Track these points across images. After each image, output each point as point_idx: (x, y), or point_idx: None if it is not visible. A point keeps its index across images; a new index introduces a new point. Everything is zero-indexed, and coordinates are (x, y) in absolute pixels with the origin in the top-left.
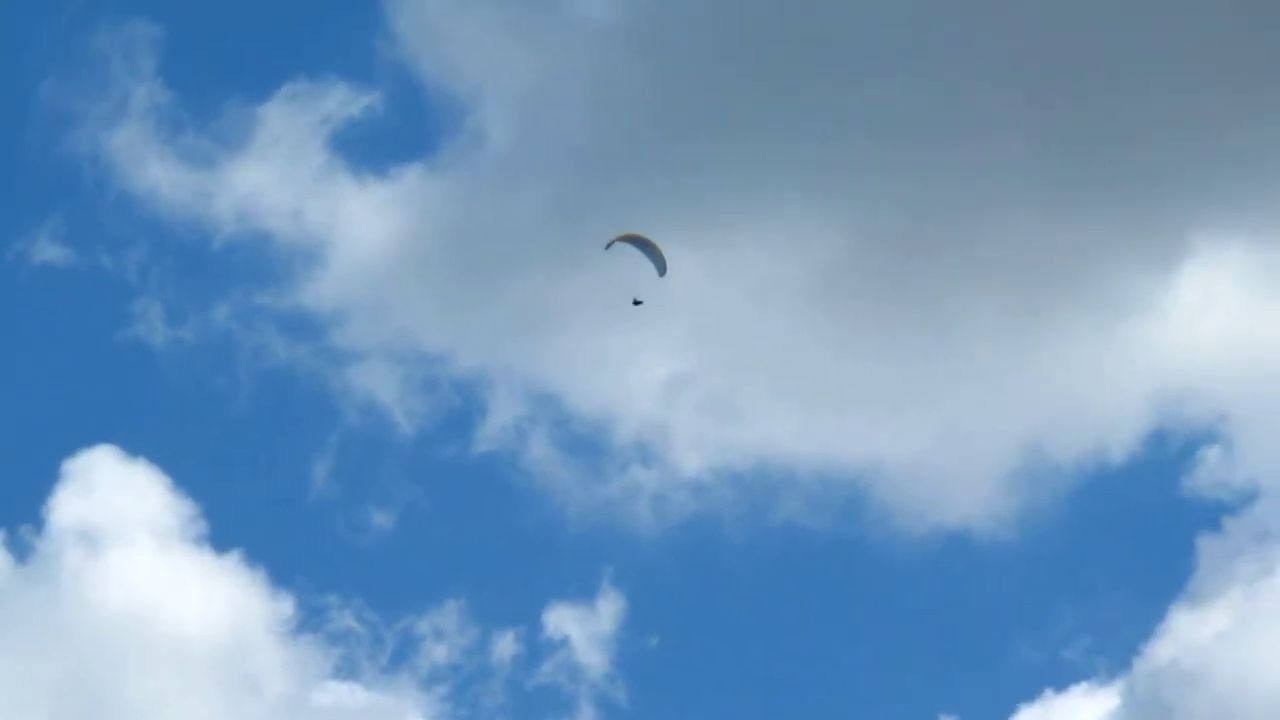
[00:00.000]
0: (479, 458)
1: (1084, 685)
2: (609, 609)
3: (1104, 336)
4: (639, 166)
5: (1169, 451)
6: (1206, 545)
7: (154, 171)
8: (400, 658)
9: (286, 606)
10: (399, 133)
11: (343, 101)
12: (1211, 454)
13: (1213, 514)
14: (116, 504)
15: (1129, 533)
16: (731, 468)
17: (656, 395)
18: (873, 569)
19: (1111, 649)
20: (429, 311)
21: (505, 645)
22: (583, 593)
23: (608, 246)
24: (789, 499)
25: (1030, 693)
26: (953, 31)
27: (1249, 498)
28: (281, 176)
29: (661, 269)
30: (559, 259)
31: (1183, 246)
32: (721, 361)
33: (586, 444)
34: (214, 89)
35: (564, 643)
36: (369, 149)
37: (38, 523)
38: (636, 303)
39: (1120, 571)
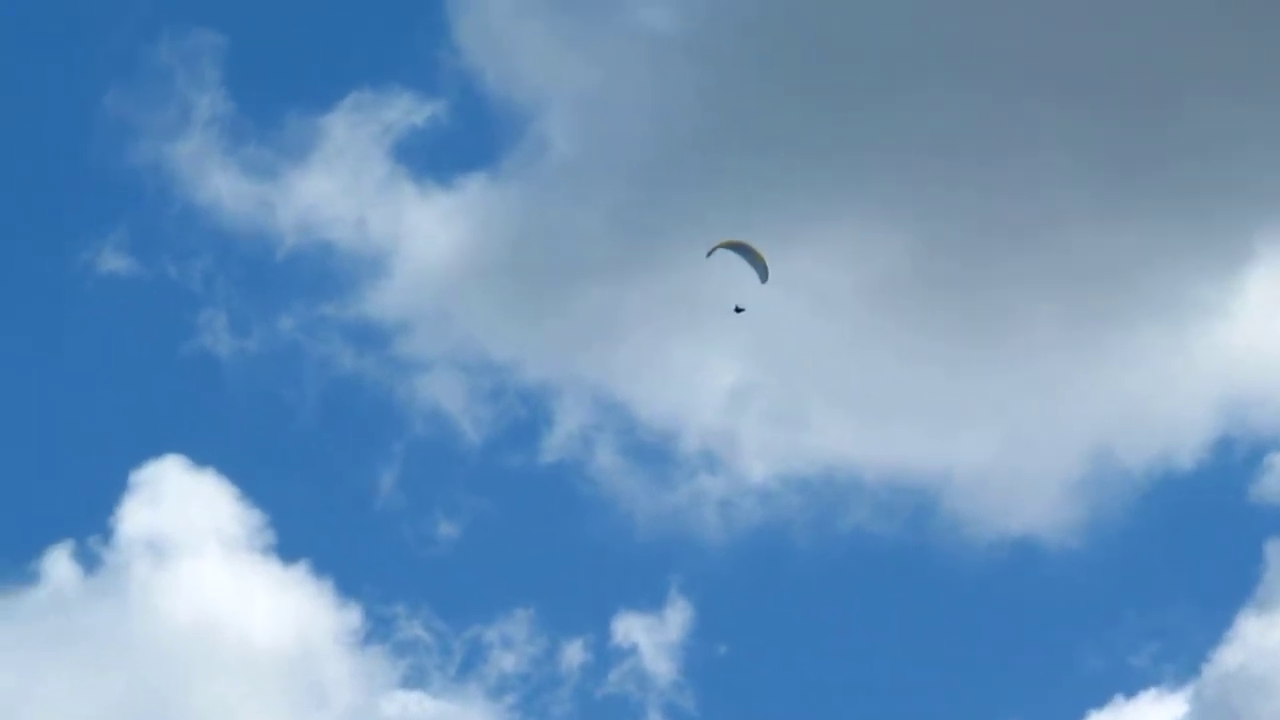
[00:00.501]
0: (546, 467)
1: (1153, 692)
2: (677, 617)
3: (1169, 343)
4: (700, 176)
5: (1237, 457)
6: (1275, 551)
7: (217, 182)
8: (468, 667)
9: (354, 616)
10: (462, 142)
11: (406, 111)
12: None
13: None
14: (184, 514)
15: (1197, 539)
16: (798, 475)
17: (722, 403)
18: (940, 577)
19: (1180, 656)
20: (493, 321)
21: (573, 654)
22: (651, 601)
23: (709, 254)
24: (856, 507)
25: (1099, 700)
26: (1014, 43)
27: None
28: (345, 187)
29: (764, 275)
30: (623, 268)
31: (1247, 252)
32: (786, 370)
33: (653, 452)
34: (277, 99)
35: (632, 651)
36: (432, 158)
37: (106, 534)
38: (739, 310)
39: (1188, 578)
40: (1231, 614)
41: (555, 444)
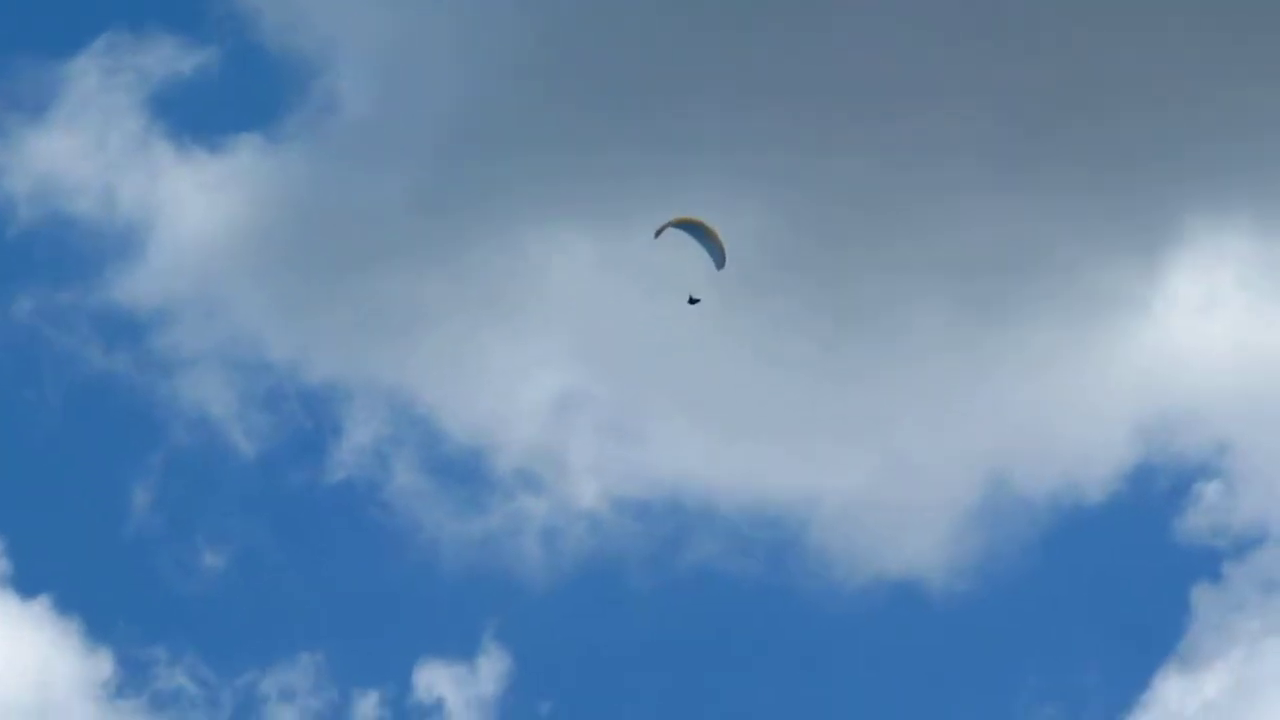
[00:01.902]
0: (333, 486)
1: None
2: (491, 667)
3: (1081, 345)
4: (521, 141)
5: (1158, 487)
6: (1202, 599)
7: None
8: None
9: (104, 663)
10: (234, 97)
11: (167, 59)
12: (1210, 490)
13: (1210, 561)
14: None
15: (1110, 583)
16: (636, 500)
17: (545, 413)
18: (804, 624)
19: None
20: (270, 311)
21: (368, 708)
22: (460, 648)
23: (657, 234)
24: (704, 539)
25: None
26: None
27: (1253, 542)
28: (90, 148)
29: (720, 261)
30: (426, 250)
31: (1175, 233)
32: (621, 373)
33: (462, 470)
34: (6, 40)
35: (437, 707)
36: (197, 116)
37: None
38: (693, 301)
39: (1098, 630)
40: (1149, 673)
41: (345, 459)
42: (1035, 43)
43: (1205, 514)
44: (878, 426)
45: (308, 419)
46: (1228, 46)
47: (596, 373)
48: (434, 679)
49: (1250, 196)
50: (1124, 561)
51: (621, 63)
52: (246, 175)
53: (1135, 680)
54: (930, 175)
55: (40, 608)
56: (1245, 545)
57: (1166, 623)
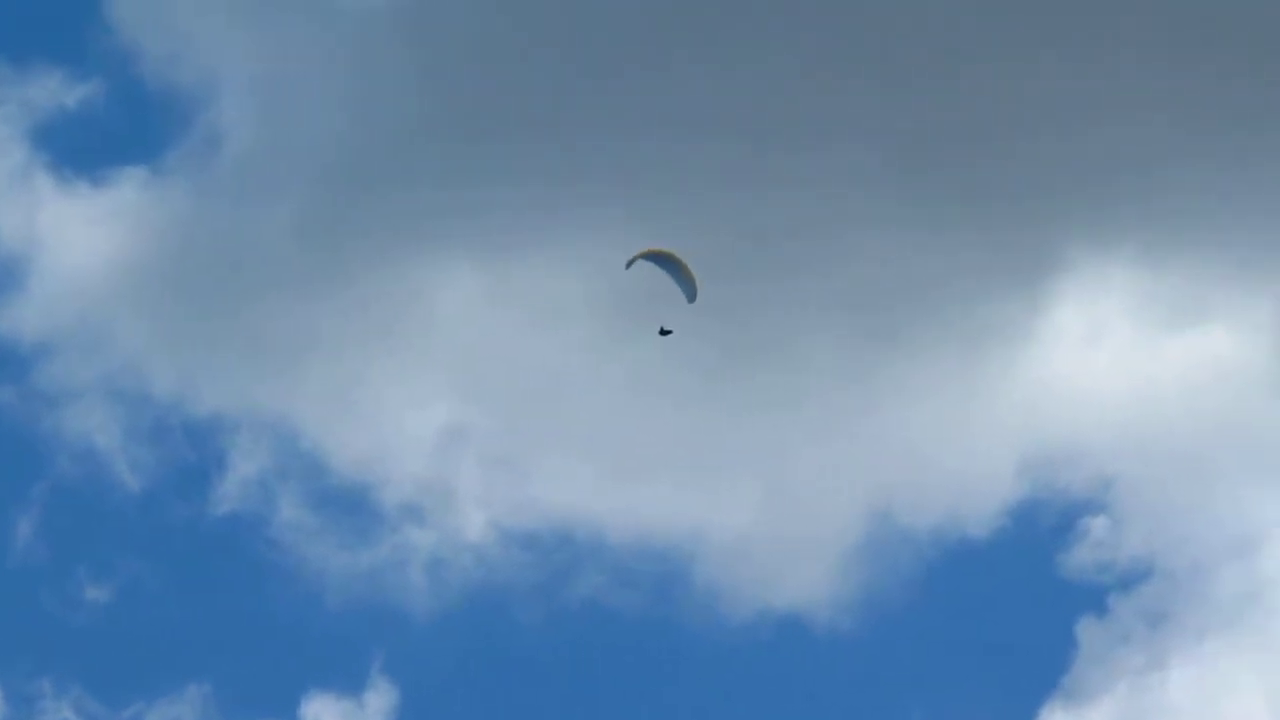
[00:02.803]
0: (219, 520)
1: None
2: (378, 701)
3: (968, 378)
4: (404, 174)
5: (1044, 521)
6: (1088, 633)
7: None
8: None
9: None
10: (117, 131)
11: (50, 92)
12: (1095, 524)
13: (1095, 595)
14: None
15: (995, 617)
16: (522, 533)
17: (431, 444)
18: (690, 656)
19: None
20: (154, 344)
21: None
22: (347, 681)
23: (628, 265)
24: (591, 572)
25: None
26: (789, 18)
27: (1138, 576)
28: None
29: (691, 295)
30: (311, 283)
31: (1060, 265)
32: (508, 406)
33: (348, 503)
34: None
35: None
36: (80, 149)
37: None
38: (664, 332)
39: (983, 664)
40: (1035, 707)
41: (230, 492)
42: (923, 79)
43: (1091, 549)
44: (764, 460)
45: (192, 452)
46: (1110, 80)
47: (483, 405)
48: (321, 712)
49: (1134, 228)
50: (1009, 596)
51: (509, 95)
52: (130, 208)
53: (1020, 715)
54: (818, 210)
55: None
56: (1130, 579)
57: (1051, 657)
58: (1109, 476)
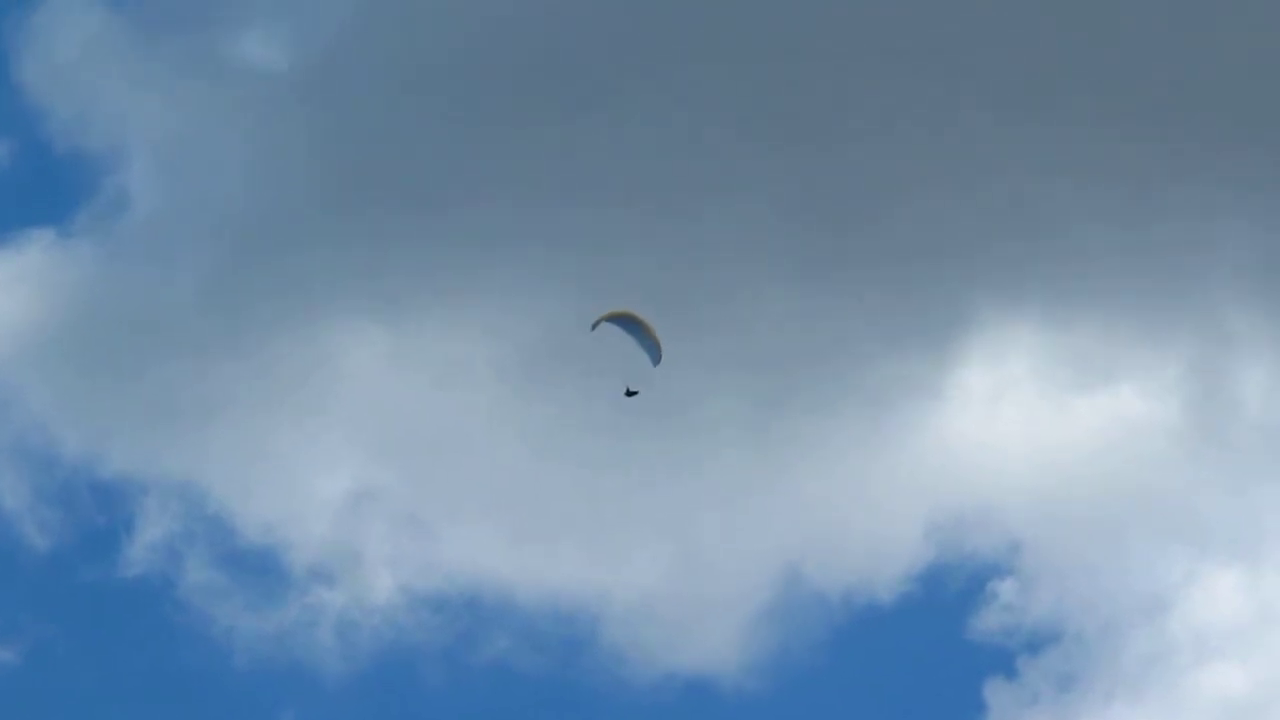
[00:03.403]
0: (126, 582)
1: None
2: None
3: (876, 440)
4: (309, 238)
5: (952, 583)
6: (996, 693)
7: None
8: None
9: None
10: (23, 195)
11: None
12: (1004, 587)
13: (1003, 656)
14: None
15: (903, 678)
16: (430, 597)
17: (339, 506)
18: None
19: None
20: (63, 406)
21: None
22: None
23: (593, 328)
24: (498, 635)
25: None
26: (687, 79)
27: (1047, 638)
28: None
29: (656, 358)
30: (217, 345)
31: (965, 320)
32: (414, 468)
33: (256, 565)
34: None
35: None
36: None
37: None
38: (631, 393)
39: None
40: None
41: (137, 555)
42: (825, 138)
43: (998, 611)
44: (672, 522)
45: (100, 514)
46: (1016, 142)
47: (390, 466)
48: None
49: (1040, 288)
50: (918, 658)
51: (411, 160)
52: (36, 271)
53: None
54: (721, 272)
55: None
56: (1038, 642)
57: (960, 718)
58: (1016, 539)
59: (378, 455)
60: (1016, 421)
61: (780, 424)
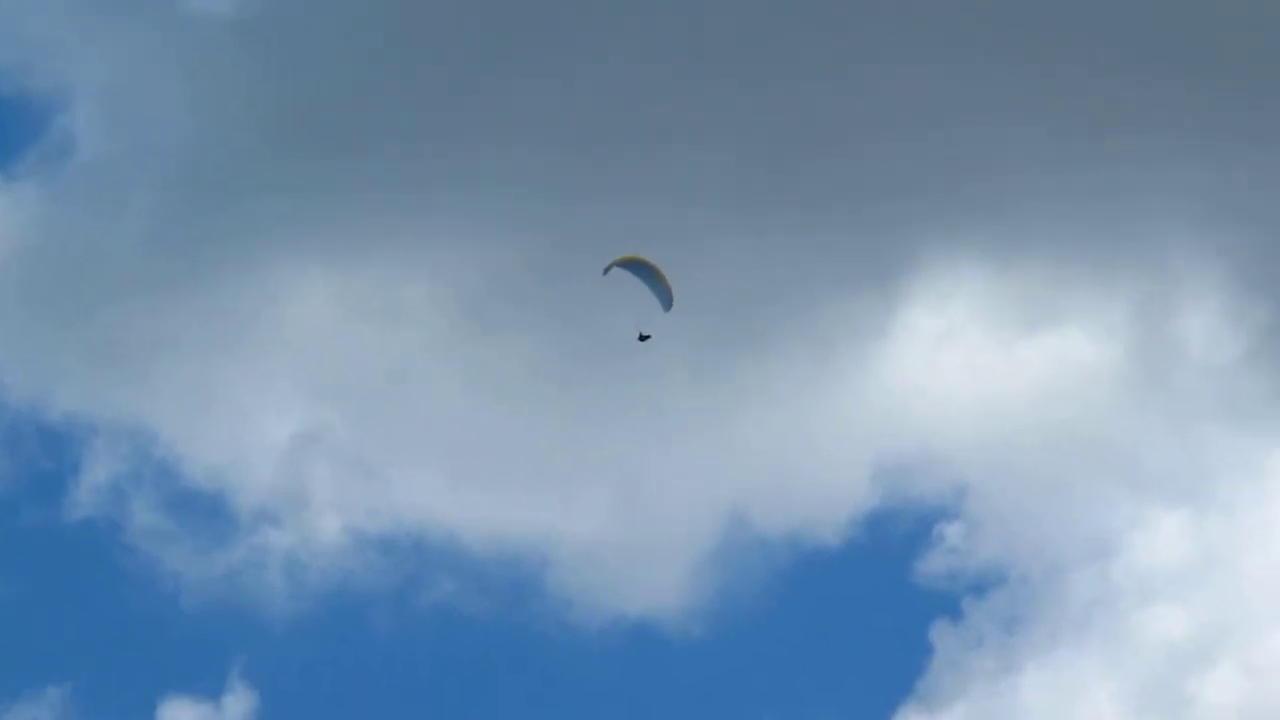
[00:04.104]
0: (73, 525)
1: None
2: (237, 705)
3: (822, 382)
4: (255, 180)
5: (899, 526)
6: (941, 635)
7: None
8: None
9: None
10: None
11: None
12: (950, 530)
13: (949, 599)
14: None
15: (848, 622)
16: (377, 540)
17: (285, 449)
18: (543, 664)
19: None
20: (8, 350)
21: None
22: (205, 685)
23: (605, 272)
24: (445, 579)
25: None
26: (636, 23)
27: (993, 581)
28: None
29: (667, 303)
30: (163, 288)
31: (910, 266)
32: (361, 410)
33: (203, 507)
34: None
35: None
36: None
37: None
38: (643, 338)
39: (838, 669)
40: (889, 712)
41: (84, 498)
42: (773, 80)
43: (944, 554)
44: (614, 466)
45: (47, 458)
46: (960, 82)
47: (339, 408)
48: (179, 716)
49: (986, 228)
50: (864, 602)
51: (355, 102)
52: None
53: (875, 719)
54: (668, 215)
55: None
56: (984, 585)
57: (906, 662)
58: (962, 483)
59: (324, 397)
60: (962, 365)
61: (726, 366)
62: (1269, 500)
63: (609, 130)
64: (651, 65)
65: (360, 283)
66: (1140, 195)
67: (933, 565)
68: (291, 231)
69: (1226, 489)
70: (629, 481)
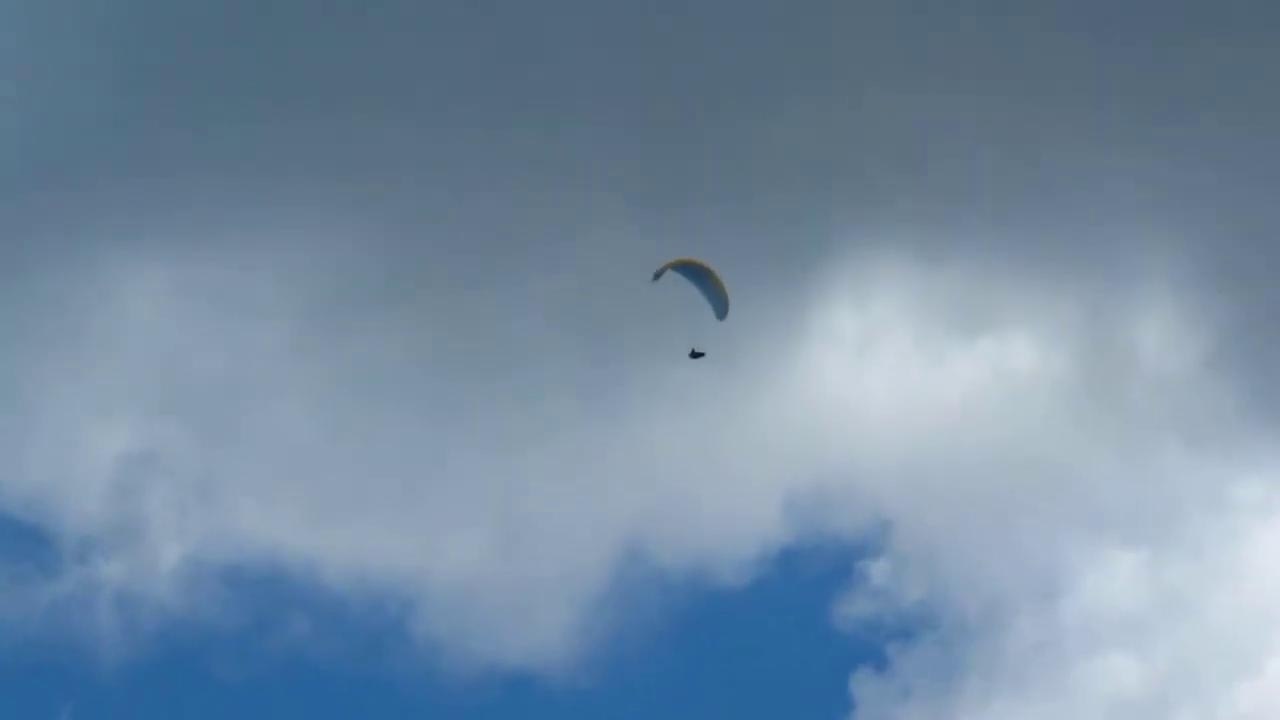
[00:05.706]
0: None
1: None
2: None
3: (726, 395)
4: (81, 168)
5: (814, 561)
6: (863, 686)
7: None
8: None
9: None
10: None
11: None
12: (874, 568)
13: (872, 646)
14: None
15: (757, 671)
16: (221, 573)
17: (116, 473)
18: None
19: None
20: None
21: None
22: None
23: (656, 276)
24: (298, 619)
25: None
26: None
27: (923, 625)
28: None
29: (722, 310)
30: None
31: (824, 260)
32: (203, 427)
33: (20, 534)
34: None
35: None
36: None
37: None
38: (696, 355)
39: None
40: None
41: None
42: (670, 47)
43: (868, 596)
44: (490, 494)
45: None
46: (888, 51)
47: (174, 426)
48: None
49: (905, 212)
50: (775, 648)
51: (198, 86)
52: None
53: None
54: (553, 204)
55: None
56: (912, 629)
57: (823, 717)
58: (887, 514)
59: (161, 410)
60: (886, 375)
61: (618, 378)
62: (1234, 536)
63: (489, 107)
64: (538, 36)
65: (203, 276)
66: (1087, 182)
67: (854, 607)
68: (126, 216)
69: (1185, 522)
70: (508, 511)
